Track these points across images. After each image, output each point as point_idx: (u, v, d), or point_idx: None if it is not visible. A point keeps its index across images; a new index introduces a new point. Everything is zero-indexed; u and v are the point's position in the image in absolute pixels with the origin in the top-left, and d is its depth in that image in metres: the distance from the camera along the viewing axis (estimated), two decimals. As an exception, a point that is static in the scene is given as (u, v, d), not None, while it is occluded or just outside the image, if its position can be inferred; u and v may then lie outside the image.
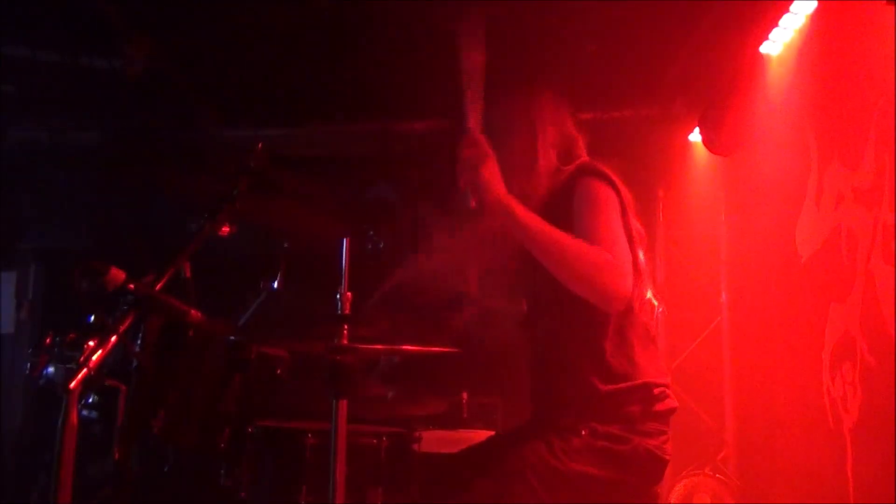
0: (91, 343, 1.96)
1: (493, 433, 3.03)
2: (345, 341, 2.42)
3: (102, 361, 1.95)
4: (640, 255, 2.50)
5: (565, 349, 2.46)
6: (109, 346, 1.97)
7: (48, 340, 2.80)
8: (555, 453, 2.34)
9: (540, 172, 2.57)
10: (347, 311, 2.50)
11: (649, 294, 2.52)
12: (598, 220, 2.40)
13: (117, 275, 2.06)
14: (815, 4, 3.93)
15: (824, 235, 3.73)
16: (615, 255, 2.33)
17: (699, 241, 5.72)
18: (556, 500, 2.31)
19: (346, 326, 2.44)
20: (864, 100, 3.31)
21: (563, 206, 2.46)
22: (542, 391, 2.56)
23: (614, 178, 2.50)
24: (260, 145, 2.44)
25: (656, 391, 2.42)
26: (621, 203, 2.46)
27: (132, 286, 2.06)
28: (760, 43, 4.34)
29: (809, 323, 3.86)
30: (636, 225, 2.52)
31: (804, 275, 3.96)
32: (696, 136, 5.39)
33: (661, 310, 2.58)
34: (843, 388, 3.53)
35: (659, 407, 2.42)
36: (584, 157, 2.64)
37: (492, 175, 2.37)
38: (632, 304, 2.40)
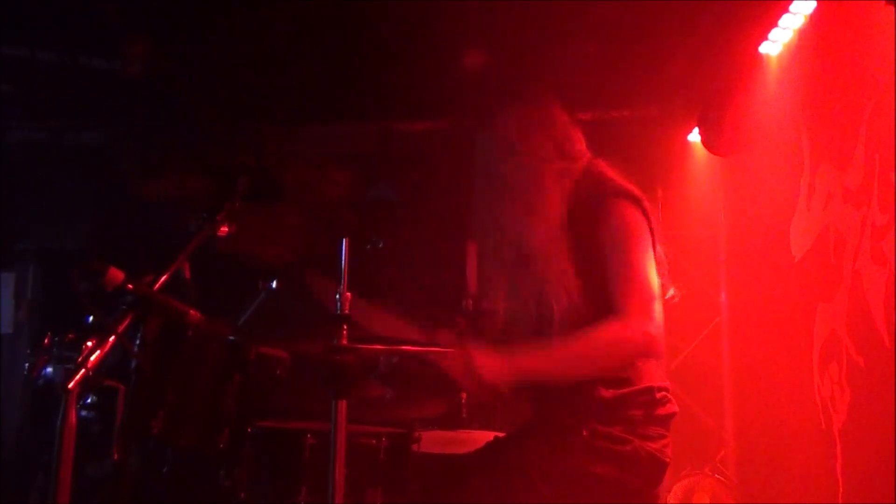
0: (90, 343, 1.96)
1: (492, 433, 3.02)
2: (344, 341, 2.41)
3: (101, 361, 1.95)
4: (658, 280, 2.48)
5: None
6: (108, 346, 1.98)
7: (47, 341, 2.80)
8: (556, 451, 2.34)
9: (548, 179, 2.53)
10: (346, 311, 2.49)
11: (670, 292, 2.52)
12: (628, 256, 2.36)
13: (116, 275, 2.06)
14: (814, 4, 3.92)
15: (814, 236, 3.73)
16: (637, 299, 2.29)
17: (698, 241, 5.72)
18: (557, 497, 2.31)
19: (345, 326, 2.43)
20: (858, 100, 3.31)
21: (587, 226, 2.42)
22: (544, 396, 2.55)
23: (642, 196, 2.47)
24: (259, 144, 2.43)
25: (658, 395, 2.42)
26: (650, 228, 2.44)
27: (131, 286, 2.06)
28: (760, 43, 4.34)
29: (802, 323, 3.87)
30: (659, 250, 2.50)
31: (797, 275, 3.96)
32: (695, 137, 5.39)
33: (677, 297, 2.57)
34: (830, 388, 3.54)
35: (660, 411, 2.42)
36: (587, 154, 2.62)
37: (486, 368, 2.27)
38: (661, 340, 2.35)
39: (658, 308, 2.33)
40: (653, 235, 2.45)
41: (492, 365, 2.27)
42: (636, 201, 2.44)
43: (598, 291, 2.39)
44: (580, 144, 2.62)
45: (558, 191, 2.52)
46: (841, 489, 3.42)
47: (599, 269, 2.38)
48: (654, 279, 2.37)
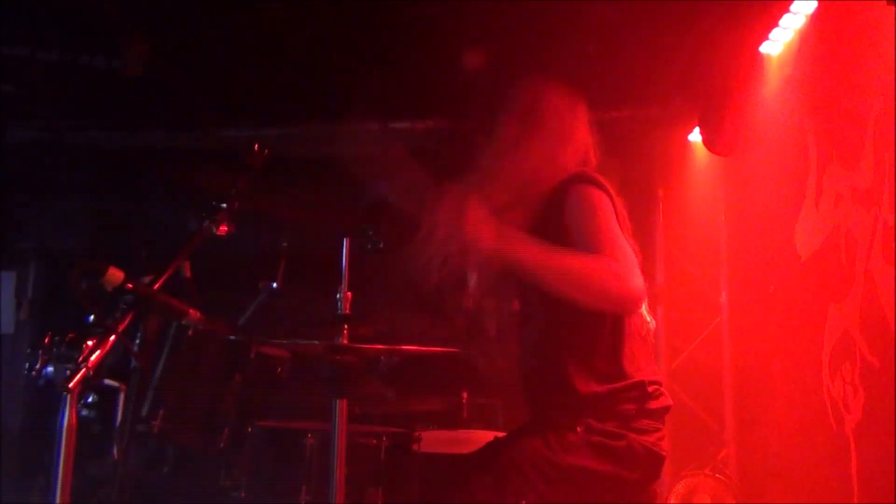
0: (90, 343, 1.96)
1: (492, 433, 3.03)
2: (345, 341, 2.41)
3: (101, 361, 1.95)
4: None
5: (559, 350, 2.46)
6: (108, 345, 1.97)
7: (47, 340, 2.80)
8: (551, 448, 2.34)
9: (549, 175, 2.52)
10: (347, 311, 2.49)
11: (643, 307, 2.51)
12: (596, 224, 2.34)
13: (116, 274, 2.05)
14: (815, 4, 3.92)
15: (823, 236, 3.72)
16: (619, 257, 2.27)
17: (699, 241, 5.72)
18: (554, 494, 2.31)
19: (346, 326, 2.43)
20: (863, 100, 3.31)
21: (555, 218, 2.41)
22: (537, 391, 2.56)
23: (607, 185, 2.46)
24: (256, 146, 2.43)
25: (650, 389, 2.43)
26: (615, 208, 2.42)
27: (131, 286, 2.06)
28: (760, 43, 4.34)
29: (809, 323, 3.86)
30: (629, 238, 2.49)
31: (804, 275, 3.95)
32: (695, 136, 5.39)
33: (653, 325, 2.57)
34: (843, 388, 3.53)
35: (653, 405, 2.43)
36: (593, 163, 2.61)
37: (474, 217, 2.27)
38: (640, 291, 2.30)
39: (635, 263, 2.29)
40: (618, 216, 2.41)
41: (481, 217, 2.27)
42: (596, 184, 2.42)
43: None
44: (592, 151, 2.61)
45: (547, 185, 2.51)
46: (856, 489, 3.41)
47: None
48: (625, 243, 2.33)
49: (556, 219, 2.41)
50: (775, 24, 4.18)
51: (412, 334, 2.52)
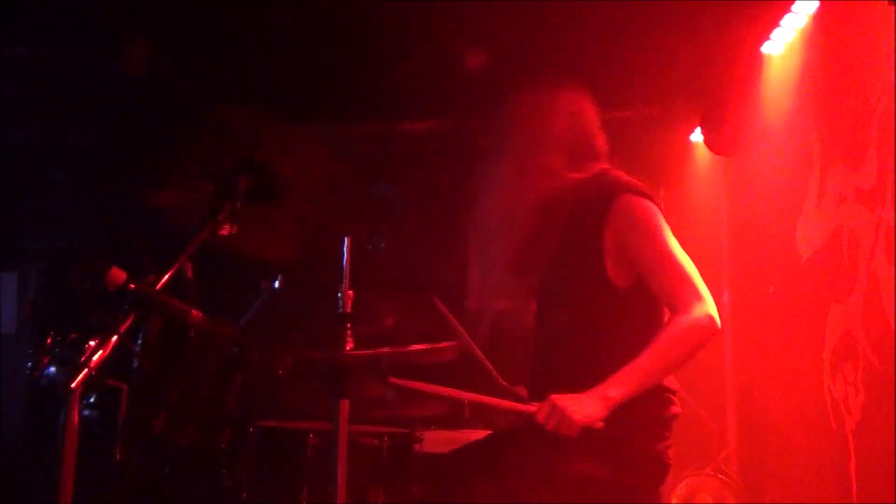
0: (92, 343, 1.96)
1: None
2: (346, 341, 2.41)
3: (103, 361, 1.95)
4: None
5: (574, 353, 2.45)
6: (110, 346, 1.97)
7: (49, 340, 2.80)
8: (557, 452, 2.33)
9: (548, 171, 2.52)
10: (349, 310, 2.49)
11: None
12: (659, 249, 2.39)
13: (118, 275, 2.05)
14: (816, 4, 3.92)
15: (825, 236, 3.72)
16: (686, 289, 2.35)
17: (701, 242, 5.70)
18: (558, 500, 2.30)
19: (348, 326, 2.43)
20: (866, 100, 3.31)
21: (593, 224, 2.42)
22: (547, 392, 2.55)
23: (648, 189, 2.47)
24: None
25: (664, 396, 2.41)
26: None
27: (133, 286, 2.06)
28: (762, 43, 4.34)
29: (810, 323, 3.85)
30: None
31: (805, 275, 3.95)
32: (697, 136, 5.38)
33: None
34: (844, 388, 3.52)
35: (663, 412, 2.41)
36: (604, 164, 2.60)
37: (576, 410, 2.26)
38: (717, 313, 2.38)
39: (703, 285, 2.38)
40: None
41: (581, 406, 2.27)
42: (641, 193, 2.44)
43: (601, 290, 2.39)
44: (598, 145, 2.61)
45: (551, 187, 2.51)
46: (854, 489, 3.40)
47: (629, 271, 2.39)
48: (687, 259, 2.41)
49: (594, 225, 2.42)
50: (777, 24, 4.18)
51: (414, 335, 2.52)
